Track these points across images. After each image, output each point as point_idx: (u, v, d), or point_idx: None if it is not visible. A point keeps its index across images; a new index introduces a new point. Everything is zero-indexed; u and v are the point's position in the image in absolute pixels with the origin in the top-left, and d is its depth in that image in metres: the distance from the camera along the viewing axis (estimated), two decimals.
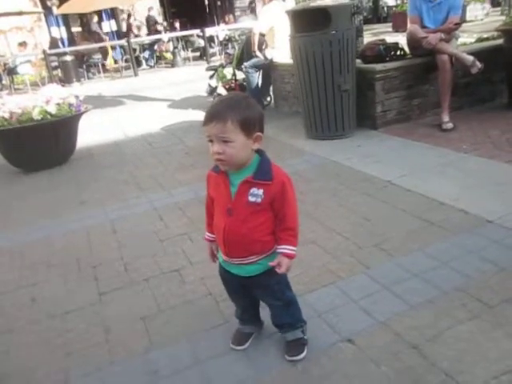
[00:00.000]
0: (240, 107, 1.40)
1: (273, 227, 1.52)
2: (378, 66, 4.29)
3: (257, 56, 5.96)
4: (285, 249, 1.50)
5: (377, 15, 19.04)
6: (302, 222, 2.71)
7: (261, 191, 1.45)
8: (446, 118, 4.18)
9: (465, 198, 2.74)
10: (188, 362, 1.73)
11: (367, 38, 7.05)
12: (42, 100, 4.60)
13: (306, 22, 4.09)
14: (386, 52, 4.45)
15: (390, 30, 14.55)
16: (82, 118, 5.00)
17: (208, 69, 6.68)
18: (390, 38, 5.28)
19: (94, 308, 2.17)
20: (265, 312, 1.77)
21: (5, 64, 12.64)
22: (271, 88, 6.33)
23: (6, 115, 4.42)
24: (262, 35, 5.97)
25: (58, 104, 4.65)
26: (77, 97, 4.91)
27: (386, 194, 2.99)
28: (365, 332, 1.75)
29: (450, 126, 4.12)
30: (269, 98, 6.41)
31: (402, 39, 4.88)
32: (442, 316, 1.78)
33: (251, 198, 1.46)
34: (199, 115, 6.27)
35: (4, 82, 12.77)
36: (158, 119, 6.47)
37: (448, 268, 2.07)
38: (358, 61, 4.45)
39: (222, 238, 1.53)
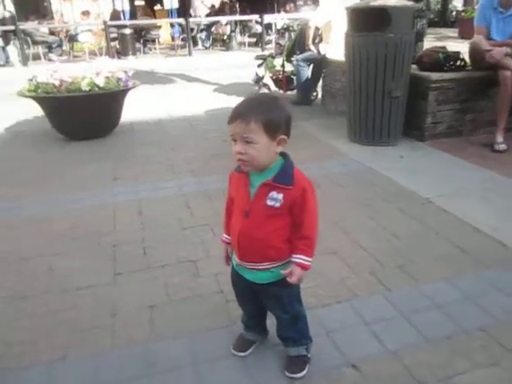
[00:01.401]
0: (266, 108, 1.35)
1: (290, 234, 1.45)
2: (434, 75, 4.07)
3: (310, 50, 5.83)
4: (299, 258, 1.43)
5: (444, 19, 18.20)
6: (326, 229, 2.66)
7: (280, 195, 1.39)
8: (499, 138, 3.92)
9: (505, 229, 2.55)
10: (185, 361, 1.70)
11: (429, 42, 6.75)
12: (92, 72, 4.69)
13: (364, 20, 3.93)
14: (446, 61, 4.21)
15: (456, 35, 13.90)
16: (130, 93, 5.05)
17: (257, 57, 6.60)
18: (454, 46, 5.01)
19: (106, 288, 2.18)
20: (271, 321, 1.71)
21: (67, 31, 13.02)
22: (320, 84, 6.17)
23: (57, 83, 4.52)
24: (317, 29, 5.82)
25: (107, 77, 4.72)
26: (126, 72, 4.96)
27: (421, 211, 2.84)
28: (371, 359, 1.66)
29: (503, 147, 3.86)
30: (315, 93, 6.27)
31: (465, 48, 4.61)
32: (458, 356, 1.66)
33: (270, 202, 1.40)
34: None
35: (64, 48, 13.16)
36: (202, 102, 6.47)
37: (473, 304, 1.93)
38: (414, 67, 4.25)
39: (237, 240, 1.48)
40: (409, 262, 2.28)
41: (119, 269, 2.34)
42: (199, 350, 1.75)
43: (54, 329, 1.91)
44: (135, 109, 5.91)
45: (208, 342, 1.80)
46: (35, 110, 4.89)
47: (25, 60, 11.58)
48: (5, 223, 2.95)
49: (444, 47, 4.44)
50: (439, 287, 2.06)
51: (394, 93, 3.92)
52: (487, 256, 2.30)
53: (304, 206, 1.41)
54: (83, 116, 4.62)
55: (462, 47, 5.04)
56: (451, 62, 4.23)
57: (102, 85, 4.59)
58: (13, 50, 11.74)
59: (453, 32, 15.09)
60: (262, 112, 1.33)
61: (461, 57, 4.31)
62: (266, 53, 7.34)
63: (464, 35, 12.63)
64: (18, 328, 1.92)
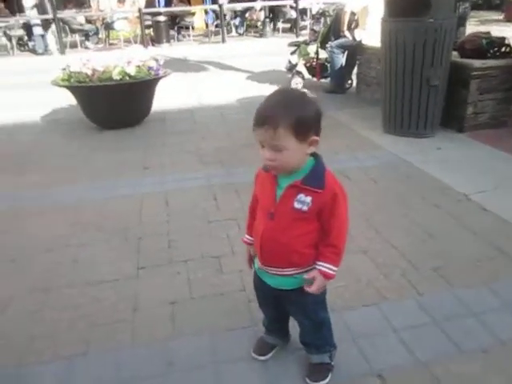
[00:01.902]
0: (294, 108, 1.23)
1: (317, 240, 1.36)
2: (477, 63, 3.84)
3: (345, 36, 5.63)
4: (323, 266, 1.34)
5: (488, 1, 17.30)
6: (357, 225, 2.55)
7: (309, 198, 1.30)
8: None
9: None
10: (205, 360, 1.66)
11: (472, 27, 6.41)
12: (124, 60, 4.69)
13: (402, 5, 3.72)
14: (489, 47, 3.96)
15: (501, 19, 13.18)
16: (162, 81, 5.03)
17: (290, 44, 6.43)
18: (498, 30, 4.71)
19: (129, 282, 2.17)
20: (294, 325, 1.63)
21: (103, 19, 13.15)
22: (355, 71, 5.96)
23: (89, 72, 4.55)
24: (353, 14, 5.60)
25: (138, 66, 4.70)
26: (156, 60, 4.93)
27: (458, 209, 2.68)
28: (399, 369, 1.57)
29: None
30: (350, 81, 6.07)
31: (511, 33, 4.32)
32: (493, 370, 1.55)
33: (297, 205, 1.31)
34: None
35: (100, 36, 13.32)
36: (235, 90, 6.39)
37: None
38: (455, 53, 4.02)
39: (260, 243, 1.40)
40: (444, 264, 2.15)
41: (143, 262, 2.32)
42: (219, 350, 1.71)
43: (76, 322, 1.90)
44: (167, 97, 5.89)
45: (228, 342, 1.75)
46: (71, 99, 4.94)
47: (62, 48, 11.79)
48: (35, 210, 3.00)
49: (488, 32, 4.18)
50: (476, 293, 1.93)
51: (432, 81, 3.72)
52: None
53: (333, 212, 1.31)
54: (115, 105, 4.64)
55: (508, 32, 4.74)
56: (495, 49, 3.98)
57: (132, 74, 4.58)
58: (51, 38, 11.98)
59: (498, 15, 14.33)
60: (290, 114, 1.21)
61: (506, 42, 4.04)
62: (301, 39, 7.15)
63: (510, 19, 11.97)
64: (39, 321, 1.92)
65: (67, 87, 4.63)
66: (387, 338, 1.71)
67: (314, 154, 1.33)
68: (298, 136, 1.23)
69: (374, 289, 1.99)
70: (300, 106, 1.25)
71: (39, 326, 1.90)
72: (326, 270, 1.34)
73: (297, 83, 6.22)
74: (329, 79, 6.07)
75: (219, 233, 2.57)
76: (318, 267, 1.35)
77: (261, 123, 1.23)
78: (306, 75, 6.31)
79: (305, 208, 1.30)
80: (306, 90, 6.07)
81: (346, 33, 5.62)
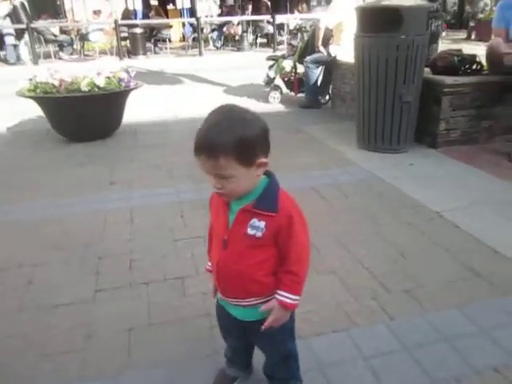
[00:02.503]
0: (233, 130, 1.09)
1: (276, 267, 1.25)
2: (449, 79, 3.84)
3: (320, 51, 5.62)
4: (281, 295, 1.23)
5: (460, 21, 17.79)
6: (327, 244, 2.47)
7: (262, 223, 1.18)
8: None
9: None
10: None
11: (444, 45, 6.49)
12: (94, 72, 4.55)
13: (374, 21, 3.72)
14: (461, 64, 3.98)
15: (473, 38, 13.55)
16: (135, 93, 4.91)
17: (268, 58, 6.40)
18: (470, 48, 4.77)
19: (84, 306, 2.02)
20: (257, 353, 1.52)
21: (78, 30, 12.97)
22: (331, 86, 5.96)
23: (56, 83, 4.39)
24: (329, 30, 5.61)
25: (108, 77, 4.57)
26: (128, 72, 4.81)
27: (431, 227, 2.63)
28: None
29: None
30: (327, 97, 6.06)
31: (482, 51, 4.37)
32: None
33: (250, 231, 1.19)
34: (253, 105, 6.04)
35: (75, 46, 13.12)
36: (211, 103, 6.12)
37: (488, 338, 1.72)
38: (427, 70, 4.03)
39: (216, 273, 1.29)
40: (416, 285, 2.07)
41: (101, 284, 2.17)
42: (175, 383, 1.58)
43: (23, 353, 1.74)
44: (140, 110, 5.77)
45: (186, 374, 1.62)
46: (40, 110, 4.77)
47: (36, 58, 11.55)
48: None
49: (460, 50, 4.21)
50: (449, 317, 1.85)
51: (405, 97, 3.70)
52: (504, 281, 2.08)
53: (291, 235, 1.19)
54: (83, 117, 4.48)
55: (479, 49, 4.81)
56: (467, 66, 4.00)
57: (102, 85, 4.45)
58: (24, 48, 11.73)
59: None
60: (229, 139, 1.07)
61: (477, 60, 4.07)
62: (279, 53, 7.15)
63: (481, 37, 12.31)
64: None
65: (33, 98, 4.46)
66: (356, 367, 1.61)
67: (266, 173, 1.22)
68: (243, 162, 1.11)
69: (343, 313, 1.89)
70: (241, 126, 1.10)
71: None
72: (285, 300, 1.22)
73: (274, 97, 6.19)
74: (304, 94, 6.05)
75: (184, 252, 2.44)
76: (277, 297, 1.23)
77: (199, 152, 1.11)
78: (284, 89, 6.29)
79: (259, 234, 1.19)
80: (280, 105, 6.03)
81: (321, 48, 5.62)
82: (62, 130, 4.68)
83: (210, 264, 1.41)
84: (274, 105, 6.13)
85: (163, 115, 5.78)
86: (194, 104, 6.34)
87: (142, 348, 1.75)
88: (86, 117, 4.49)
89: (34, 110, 5.08)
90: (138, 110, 5.60)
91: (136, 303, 2.02)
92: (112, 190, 3.41)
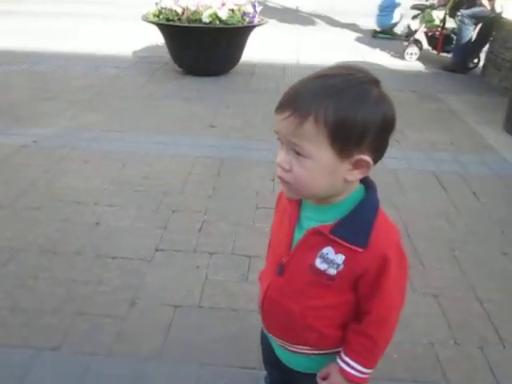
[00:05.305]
0: (346, 99, 0.70)
1: (347, 318, 0.87)
2: None
3: (482, 5, 4.64)
4: (345, 363, 0.85)
5: None
6: (435, 254, 1.98)
7: (340, 258, 0.79)
8: None
9: None
10: None
11: None
12: (219, 1, 4.25)
13: None
14: None
15: None
16: (259, 30, 4.55)
17: (413, 7, 5.52)
18: None
19: (140, 264, 1.84)
20: None
21: None
22: (485, 49, 4.95)
23: (179, 10, 4.19)
24: None
25: (232, 10, 4.24)
26: (254, 6, 4.42)
27: None
28: None
29: None
30: (476, 60, 5.08)
31: None
32: None
33: (320, 264, 0.80)
34: (384, 60, 5.32)
35: None
36: (338, 51, 5.70)
37: None
38: None
39: (262, 301, 0.93)
40: None
41: (164, 242, 1.98)
42: None
43: (63, 304, 1.62)
44: (261, 49, 5.39)
45: (216, 378, 1.35)
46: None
47: None
48: (82, 156, 2.78)
49: None
50: None
51: None
52: None
53: (378, 286, 0.80)
54: (200, 50, 4.28)
55: None
56: None
57: (224, 18, 4.14)
58: None
59: None
60: (334, 102, 0.70)
61: None
62: (427, 2, 6.16)
63: None
64: (29, 291, 1.68)
65: (155, 23, 4.32)
66: None
67: (365, 181, 0.81)
68: (336, 143, 0.71)
69: (434, 358, 1.44)
70: (359, 99, 0.71)
71: (25, 297, 1.65)
72: (350, 371, 0.84)
73: (412, 53, 5.38)
74: (451, 54, 5.13)
75: (262, 223, 2.12)
76: (339, 362, 0.86)
77: (283, 106, 0.73)
78: (425, 45, 5.43)
79: (332, 271, 0.79)
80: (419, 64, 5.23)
81: (484, 1, 4.62)
82: (180, 62, 4.54)
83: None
84: (410, 62, 5.33)
85: (284, 58, 5.36)
86: (321, 50, 5.80)
87: (181, 335, 1.51)
88: (203, 50, 4.27)
89: (158, 37, 5.01)
90: (258, 48, 5.23)
91: (192, 276, 1.78)
92: (209, 133, 3.19)
